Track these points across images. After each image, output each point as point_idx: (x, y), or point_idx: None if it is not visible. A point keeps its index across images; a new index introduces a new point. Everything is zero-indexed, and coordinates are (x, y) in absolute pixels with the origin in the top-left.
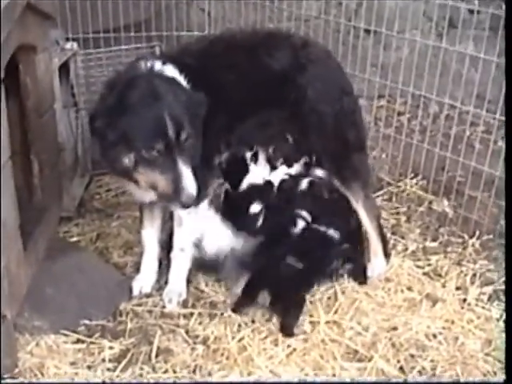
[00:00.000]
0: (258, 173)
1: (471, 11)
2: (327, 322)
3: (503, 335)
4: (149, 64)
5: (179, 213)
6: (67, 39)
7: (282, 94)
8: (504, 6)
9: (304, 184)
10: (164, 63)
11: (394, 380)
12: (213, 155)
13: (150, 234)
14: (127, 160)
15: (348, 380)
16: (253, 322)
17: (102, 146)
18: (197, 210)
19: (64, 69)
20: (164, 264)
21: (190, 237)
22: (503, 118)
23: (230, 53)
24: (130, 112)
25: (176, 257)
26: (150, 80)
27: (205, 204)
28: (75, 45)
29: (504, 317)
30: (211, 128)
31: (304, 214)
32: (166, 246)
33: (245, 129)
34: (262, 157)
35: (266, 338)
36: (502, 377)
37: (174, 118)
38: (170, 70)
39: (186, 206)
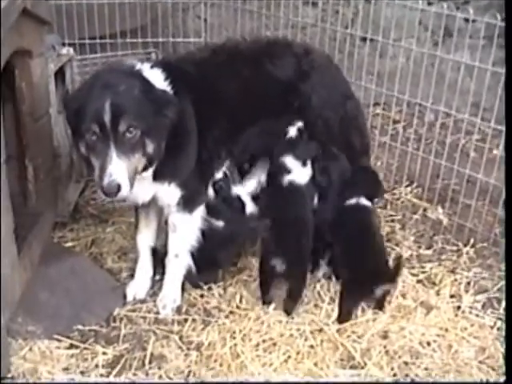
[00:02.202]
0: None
1: (467, 20)
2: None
3: (497, 343)
4: (132, 63)
5: (173, 219)
6: (63, 44)
7: (286, 102)
8: (499, 16)
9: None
10: (152, 67)
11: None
12: (211, 162)
13: (145, 239)
14: (81, 146)
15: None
16: (245, 328)
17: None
18: (191, 216)
19: (60, 74)
20: (158, 270)
21: (185, 243)
22: (498, 127)
23: (233, 61)
24: (80, 98)
25: (170, 263)
26: (112, 73)
27: (199, 210)
28: (71, 50)
29: (498, 324)
30: (209, 135)
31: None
32: (161, 252)
33: (247, 137)
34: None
35: (258, 345)
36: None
37: (115, 107)
38: (153, 73)
39: (107, 194)
